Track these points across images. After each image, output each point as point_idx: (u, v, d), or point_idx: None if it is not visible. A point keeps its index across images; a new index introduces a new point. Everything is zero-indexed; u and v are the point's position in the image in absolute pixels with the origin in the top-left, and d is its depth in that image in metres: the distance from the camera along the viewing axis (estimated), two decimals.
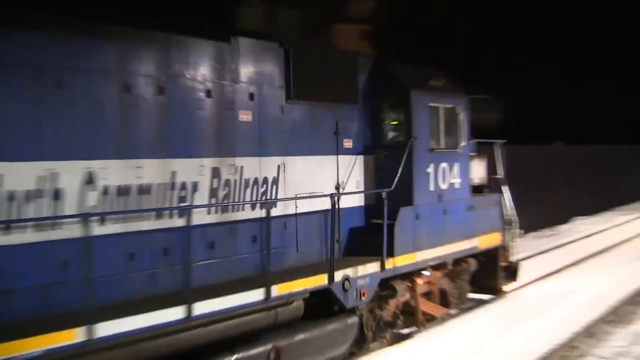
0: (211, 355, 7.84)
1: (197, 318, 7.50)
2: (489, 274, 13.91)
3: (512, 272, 14.39)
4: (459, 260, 12.78)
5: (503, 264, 14.16)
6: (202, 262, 8.18)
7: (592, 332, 12.00)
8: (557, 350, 10.84)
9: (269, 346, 8.52)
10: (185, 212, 7.53)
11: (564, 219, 28.73)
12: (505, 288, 14.46)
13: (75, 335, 6.41)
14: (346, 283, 9.67)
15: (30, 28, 6.76)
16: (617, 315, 13.15)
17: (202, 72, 8.40)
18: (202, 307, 7.51)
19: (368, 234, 10.68)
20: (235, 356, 8.06)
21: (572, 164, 30.85)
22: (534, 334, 11.91)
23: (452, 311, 12.95)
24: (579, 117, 41.52)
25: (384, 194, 10.30)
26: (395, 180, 10.64)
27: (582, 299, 14.52)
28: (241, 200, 8.84)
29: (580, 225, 28.03)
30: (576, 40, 42.98)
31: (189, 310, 7.35)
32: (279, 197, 9.39)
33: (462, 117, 12.46)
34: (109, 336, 6.66)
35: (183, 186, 8.12)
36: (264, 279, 8.37)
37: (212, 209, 8.43)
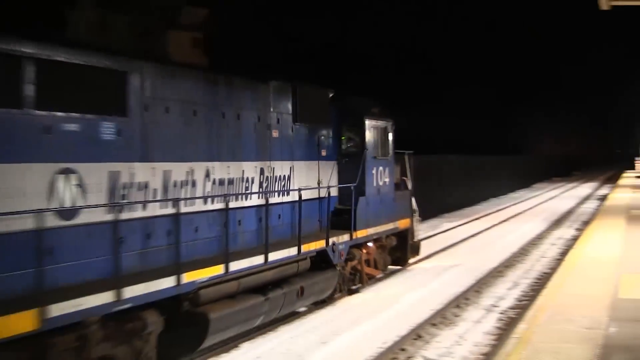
0: (271, 289, 12.49)
1: (271, 263, 12.13)
2: (400, 250, 19.01)
3: (415, 249, 19.65)
4: (386, 237, 17.94)
5: (410, 242, 19.43)
6: (255, 230, 12.70)
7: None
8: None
9: (297, 286, 13.30)
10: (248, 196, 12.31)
11: None
12: (410, 261, 19.80)
13: (220, 270, 10.87)
14: (334, 247, 14.61)
15: (182, 77, 11.04)
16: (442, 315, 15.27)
17: (256, 105, 12.99)
18: (272, 256, 12.16)
19: (337, 215, 15.57)
20: (283, 290, 12.79)
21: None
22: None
23: (380, 274, 18.16)
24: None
25: (352, 188, 15.34)
26: (358, 178, 15.72)
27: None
28: (273, 190, 13.40)
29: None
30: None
31: (267, 258, 11.98)
32: (290, 189, 14.03)
33: (390, 134, 17.76)
34: (234, 271, 11.15)
35: (247, 180, 12.62)
36: (295, 241, 13.11)
37: (263, 195, 12.93)
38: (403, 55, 77.55)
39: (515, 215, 37.42)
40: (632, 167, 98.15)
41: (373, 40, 69.53)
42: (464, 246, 25.37)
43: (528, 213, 39.27)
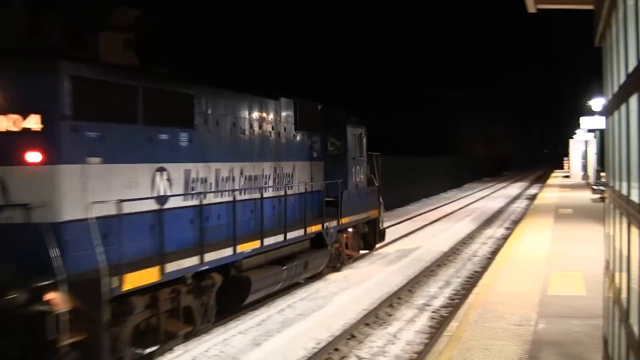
0: (286, 261, 16.21)
1: (287, 241, 16.01)
2: (370, 236, 22.83)
3: (381, 235, 23.60)
4: (362, 225, 21.79)
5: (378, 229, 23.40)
6: (271, 215, 16.33)
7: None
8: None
9: (303, 260, 17.09)
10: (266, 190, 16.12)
11: None
12: (377, 246, 23.77)
13: (258, 244, 14.59)
14: (327, 230, 18.43)
15: (225, 97, 14.64)
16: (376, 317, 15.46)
17: (270, 117, 16.66)
18: (289, 235, 15.97)
19: (326, 206, 19.02)
20: (295, 262, 16.55)
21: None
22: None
23: (357, 255, 22.12)
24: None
25: (339, 183, 19.24)
26: (343, 175, 19.64)
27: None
28: (279, 186, 16.93)
29: None
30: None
31: (285, 236, 15.77)
32: (293, 184, 17.71)
33: (364, 139, 21.76)
34: (265, 246, 14.86)
35: (266, 176, 16.30)
36: (299, 225, 16.89)
37: (275, 188, 16.64)
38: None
39: (447, 215, 37.84)
40: (561, 167, 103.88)
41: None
42: (395, 247, 25.56)
43: (459, 213, 39.84)
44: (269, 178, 16.40)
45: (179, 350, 12.53)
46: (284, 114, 17.28)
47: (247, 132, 15.41)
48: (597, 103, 39.94)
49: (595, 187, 42.31)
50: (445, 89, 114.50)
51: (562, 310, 13.01)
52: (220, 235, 13.81)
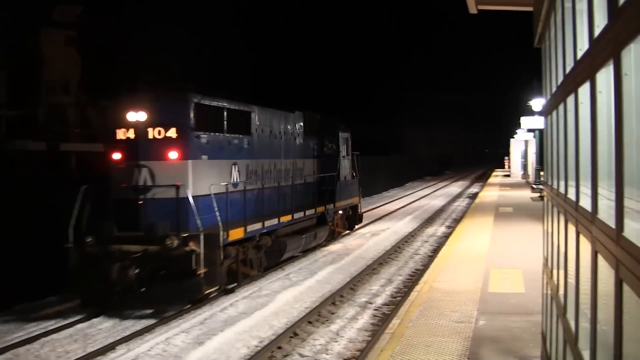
0: (303, 232, 22.42)
1: (306, 217, 22.64)
2: (350, 219, 29.19)
3: (360, 218, 30.17)
4: (347, 209, 28.24)
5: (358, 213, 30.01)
6: (295, 198, 22.16)
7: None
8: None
9: (313, 232, 23.43)
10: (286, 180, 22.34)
11: None
12: (356, 227, 30.13)
13: (290, 217, 21.09)
14: (328, 211, 24.92)
15: (266, 112, 20.47)
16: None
17: (289, 126, 22.65)
18: (307, 213, 22.58)
19: (324, 192, 25.44)
20: (309, 233, 22.83)
21: None
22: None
23: (345, 232, 28.63)
24: None
25: (334, 176, 25.63)
26: (336, 170, 25.89)
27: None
28: (296, 177, 22.90)
29: None
30: None
31: (305, 213, 22.31)
32: (306, 175, 23.64)
33: (349, 141, 28.21)
34: (294, 219, 21.39)
35: (287, 170, 22.15)
36: (313, 205, 23.31)
37: (296, 178, 22.51)
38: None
39: (389, 214, 38.36)
40: (502, 166, 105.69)
41: None
42: (337, 245, 26.40)
43: (401, 211, 40.44)
44: (290, 171, 22.45)
45: (121, 349, 12.97)
46: (297, 123, 23.41)
47: (277, 137, 21.43)
48: (537, 103, 40.63)
49: (534, 185, 43.15)
50: (389, 88, 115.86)
51: (502, 307, 13.23)
52: (269, 210, 19.75)
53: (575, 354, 5.40)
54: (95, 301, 15.35)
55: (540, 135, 41.49)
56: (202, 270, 15.15)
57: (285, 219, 20.60)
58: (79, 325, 14.66)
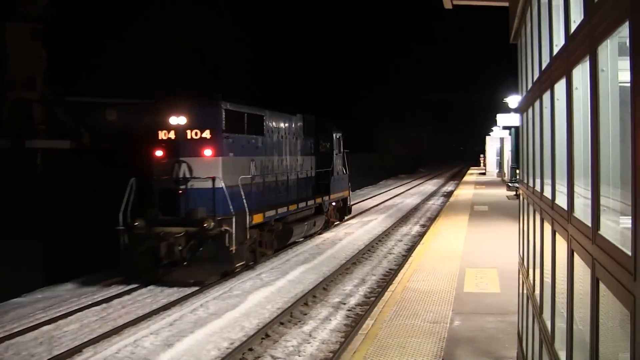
0: (304, 220, 23.96)
1: (308, 206, 24.40)
2: (341, 210, 30.77)
3: (349, 210, 31.68)
4: (339, 201, 29.59)
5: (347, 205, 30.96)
6: (297, 190, 23.82)
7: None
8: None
9: (312, 220, 24.61)
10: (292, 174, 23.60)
11: None
12: (345, 217, 31.45)
13: (295, 206, 22.78)
14: (324, 202, 26.17)
15: (275, 116, 22.27)
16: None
17: (292, 126, 23.84)
18: (309, 203, 24.24)
19: (320, 186, 26.76)
20: (309, 222, 24.17)
21: None
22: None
23: (337, 222, 30.01)
24: None
25: (330, 170, 26.89)
26: (331, 166, 27.49)
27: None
28: (299, 171, 24.34)
29: None
30: None
31: (307, 203, 24.10)
32: (306, 170, 25.16)
33: (341, 140, 29.32)
34: (298, 208, 23.11)
35: (291, 165, 23.64)
36: (312, 196, 25.02)
37: (298, 173, 24.23)
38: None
39: (362, 212, 36.26)
40: (478, 164, 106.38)
41: None
42: (309, 244, 24.84)
43: (375, 210, 38.35)
44: (294, 166, 23.94)
45: (88, 352, 12.11)
46: (298, 124, 24.66)
47: (283, 137, 22.75)
48: (513, 100, 40.56)
49: (510, 184, 41.22)
50: (364, 87, 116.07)
51: (477, 307, 12.70)
52: (280, 199, 21.95)
53: (551, 354, 5.19)
54: (145, 274, 17.41)
55: (516, 132, 41.57)
56: (233, 247, 17.29)
57: (293, 207, 22.53)
58: (44, 328, 13.71)
